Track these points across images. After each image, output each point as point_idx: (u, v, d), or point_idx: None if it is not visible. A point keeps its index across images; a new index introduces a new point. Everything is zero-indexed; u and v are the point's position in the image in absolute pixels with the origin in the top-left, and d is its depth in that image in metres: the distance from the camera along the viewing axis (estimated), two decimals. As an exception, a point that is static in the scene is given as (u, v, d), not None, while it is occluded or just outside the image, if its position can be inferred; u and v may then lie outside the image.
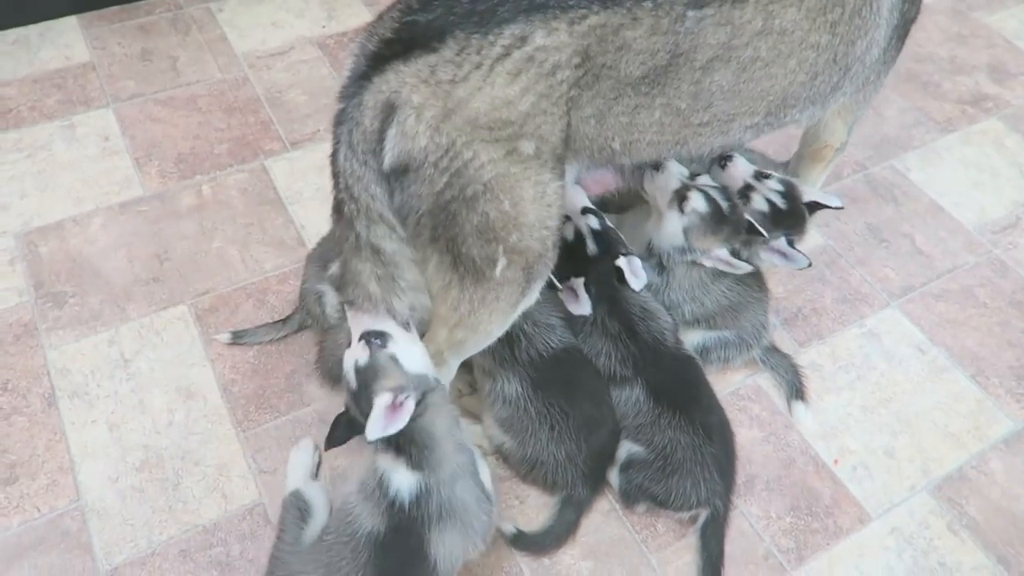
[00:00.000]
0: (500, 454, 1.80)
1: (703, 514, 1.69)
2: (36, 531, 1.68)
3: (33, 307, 2.05)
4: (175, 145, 2.47)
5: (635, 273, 1.71)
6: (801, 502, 1.82)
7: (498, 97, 1.29)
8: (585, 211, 1.79)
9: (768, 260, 1.91)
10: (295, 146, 2.50)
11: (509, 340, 1.69)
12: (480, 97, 1.28)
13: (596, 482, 1.75)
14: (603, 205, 1.90)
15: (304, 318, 1.98)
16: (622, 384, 1.77)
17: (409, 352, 1.41)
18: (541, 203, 1.39)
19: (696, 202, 1.80)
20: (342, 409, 1.47)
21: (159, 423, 1.85)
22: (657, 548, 1.73)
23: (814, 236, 2.31)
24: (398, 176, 1.34)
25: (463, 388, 1.88)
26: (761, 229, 1.81)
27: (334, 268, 1.45)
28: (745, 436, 1.89)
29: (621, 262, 1.71)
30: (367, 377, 1.36)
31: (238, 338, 1.98)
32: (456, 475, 1.43)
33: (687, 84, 1.46)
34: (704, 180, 1.89)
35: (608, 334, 1.78)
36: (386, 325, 1.41)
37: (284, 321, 2.00)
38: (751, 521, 1.78)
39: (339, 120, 1.35)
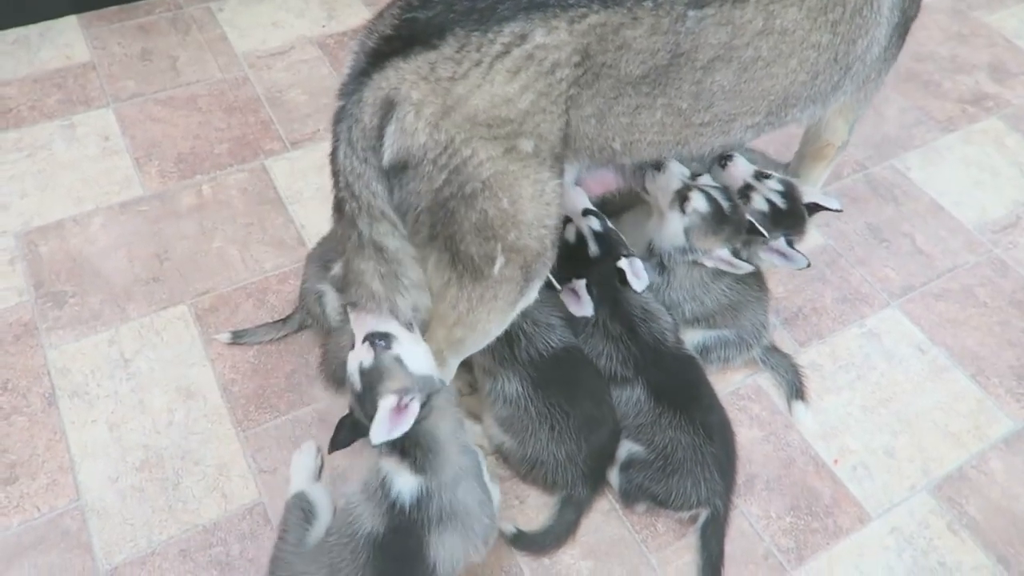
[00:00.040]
0: (500, 454, 1.80)
1: (703, 514, 1.69)
2: (36, 530, 1.68)
3: (33, 307, 2.05)
4: (175, 145, 2.47)
5: (637, 274, 1.71)
6: (801, 502, 1.81)
7: (497, 95, 1.29)
8: (586, 213, 1.79)
9: (767, 260, 1.91)
10: (295, 146, 2.50)
11: (509, 339, 1.69)
12: (479, 94, 1.28)
13: (596, 482, 1.75)
14: (603, 206, 1.90)
15: (304, 318, 1.98)
16: (623, 384, 1.77)
17: (414, 353, 1.39)
18: (540, 201, 1.39)
19: (697, 202, 1.80)
20: (346, 411, 1.46)
21: (159, 423, 1.85)
22: (657, 548, 1.73)
23: (814, 236, 2.31)
24: (397, 173, 1.34)
25: (463, 388, 1.88)
26: (761, 229, 1.81)
27: (337, 269, 1.44)
28: (745, 436, 1.89)
29: (623, 263, 1.71)
30: (372, 379, 1.35)
31: (238, 338, 1.98)
32: (458, 478, 1.43)
33: (688, 84, 1.46)
34: (705, 180, 1.89)
35: (609, 336, 1.78)
36: (390, 326, 1.40)
37: (284, 321, 2.00)
38: (751, 521, 1.78)
39: (338, 118, 1.35)
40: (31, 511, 1.70)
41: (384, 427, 1.31)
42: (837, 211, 1.92)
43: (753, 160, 2.00)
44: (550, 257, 1.49)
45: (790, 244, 1.88)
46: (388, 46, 1.30)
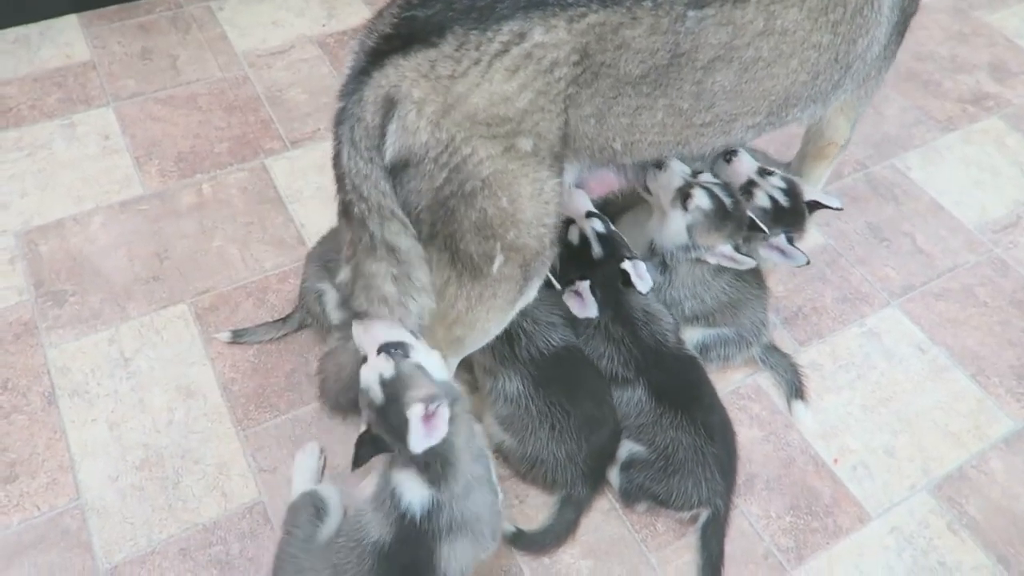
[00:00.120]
0: (500, 452, 1.80)
1: (704, 514, 1.69)
2: (36, 529, 1.68)
3: (33, 306, 2.05)
4: (175, 144, 2.47)
5: (641, 276, 1.71)
6: (801, 501, 1.81)
7: (496, 93, 1.29)
8: (589, 215, 1.79)
9: (767, 257, 1.91)
10: (295, 145, 2.50)
11: (509, 338, 1.69)
12: (479, 93, 1.28)
13: (596, 481, 1.75)
14: (604, 207, 1.90)
15: (304, 317, 1.98)
16: (624, 385, 1.77)
17: (431, 361, 1.38)
18: (539, 200, 1.39)
19: (700, 199, 1.80)
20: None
21: (159, 422, 1.85)
22: (657, 547, 1.73)
23: (814, 235, 2.31)
24: (397, 172, 1.33)
25: (463, 388, 1.88)
26: (762, 226, 1.81)
27: (343, 275, 1.40)
28: (745, 435, 1.89)
29: (626, 265, 1.71)
30: (395, 389, 1.32)
31: (238, 337, 1.98)
32: (470, 487, 1.40)
33: (689, 84, 1.46)
34: (706, 177, 1.89)
35: (611, 338, 1.78)
36: (402, 335, 1.37)
37: (284, 320, 2.00)
38: (751, 520, 1.78)
39: (339, 120, 1.34)
40: (31, 510, 1.70)
41: (421, 436, 1.28)
42: (838, 209, 1.92)
43: (755, 159, 2.00)
44: (549, 256, 1.49)
45: (790, 241, 1.88)
46: (388, 44, 1.30)
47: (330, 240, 1.94)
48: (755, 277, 1.98)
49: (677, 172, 1.85)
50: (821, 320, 2.16)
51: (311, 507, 1.57)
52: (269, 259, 2.18)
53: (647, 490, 1.71)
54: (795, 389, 1.97)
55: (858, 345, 2.11)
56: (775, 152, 2.33)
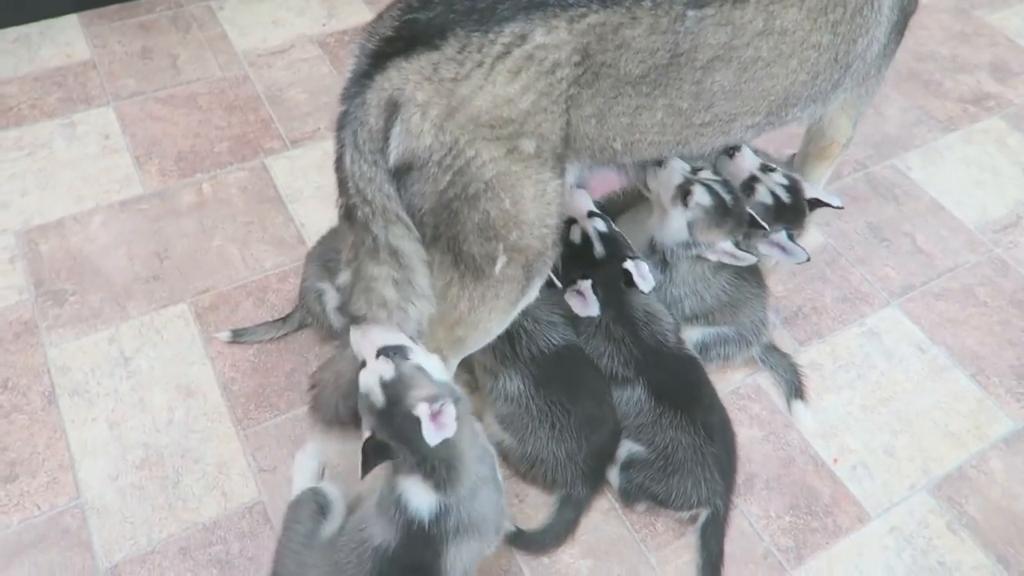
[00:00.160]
0: (499, 452, 1.79)
1: (703, 513, 1.69)
2: (36, 529, 1.68)
3: (33, 305, 2.05)
4: (175, 143, 2.47)
5: (643, 276, 1.71)
6: (801, 501, 1.82)
7: (499, 95, 1.29)
8: (591, 214, 1.79)
9: (766, 253, 1.91)
10: (295, 144, 2.50)
11: (510, 337, 1.69)
12: (482, 95, 1.28)
13: (596, 481, 1.75)
14: (605, 206, 1.90)
15: (304, 316, 1.98)
16: (624, 384, 1.77)
17: (430, 363, 1.38)
18: (541, 201, 1.39)
19: (700, 196, 1.80)
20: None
21: (159, 421, 1.86)
22: (656, 547, 1.73)
23: (815, 235, 2.31)
24: (400, 175, 1.33)
25: (463, 388, 1.88)
26: (762, 222, 1.81)
27: (343, 278, 1.39)
28: (745, 435, 1.89)
29: (629, 265, 1.71)
30: (397, 391, 1.31)
31: (238, 336, 1.98)
32: (476, 488, 1.40)
33: (688, 84, 1.46)
34: (706, 174, 1.89)
35: (612, 337, 1.78)
36: (400, 339, 1.37)
37: (284, 319, 2.00)
38: (750, 520, 1.78)
39: (342, 123, 1.34)
40: (31, 509, 1.71)
41: (433, 431, 1.27)
42: (838, 207, 1.92)
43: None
44: (551, 256, 1.50)
45: (791, 238, 1.88)
46: (389, 47, 1.30)
47: (330, 239, 1.94)
48: (754, 276, 1.98)
49: (677, 169, 1.85)
50: (821, 320, 2.16)
51: (314, 503, 1.57)
52: (269, 258, 2.19)
53: (646, 490, 1.71)
54: (795, 389, 1.97)
55: (858, 345, 2.11)
56: (775, 151, 2.33)
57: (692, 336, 1.95)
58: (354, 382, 1.40)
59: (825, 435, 1.93)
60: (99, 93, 2.60)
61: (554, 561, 1.69)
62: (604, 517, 1.77)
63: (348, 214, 1.37)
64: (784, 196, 1.87)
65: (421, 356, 1.37)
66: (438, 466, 1.35)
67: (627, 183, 1.91)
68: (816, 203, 1.91)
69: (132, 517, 1.70)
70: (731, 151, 1.94)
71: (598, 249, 1.75)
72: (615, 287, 1.75)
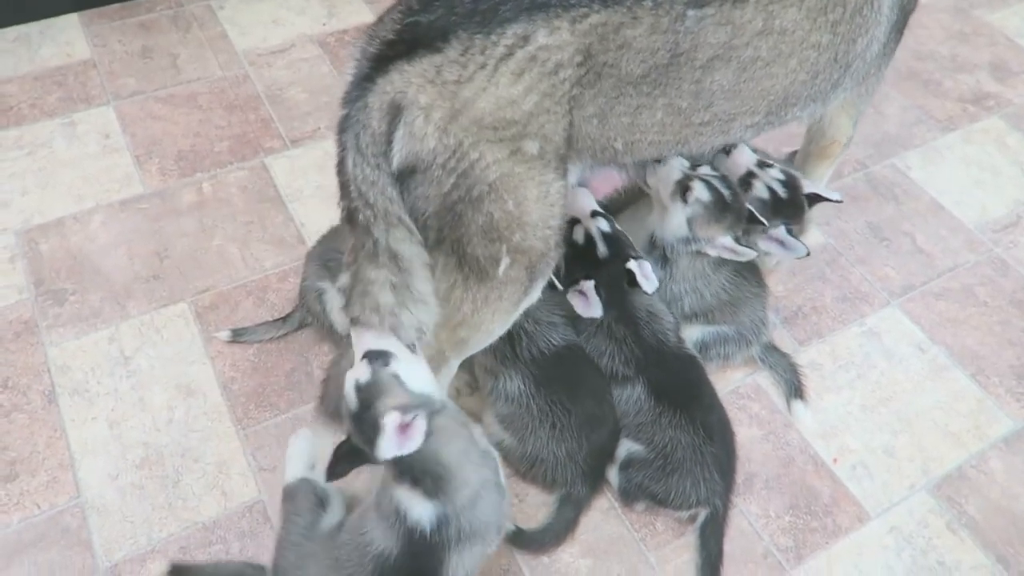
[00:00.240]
0: (499, 451, 1.80)
1: (703, 513, 1.69)
2: (36, 528, 1.68)
3: (33, 304, 2.05)
4: (175, 143, 2.47)
5: (646, 276, 1.71)
6: (800, 501, 1.82)
7: (503, 97, 1.28)
8: (594, 214, 1.79)
9: (766, 248, 1.91)
10: (295, 144, 2.50)
11: (511, 338, 1.69)
12: (485, 97, 1.27)
13: (595, 480, 1.75)
14: (607, 205, 1.90)
15: (304, 316, 1.98)
16: (623, 383, 1.77)
17: (413, 372, 1.35)
18: (544, 203, 1.39)
19: (699, 191, 1.81)
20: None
21: (159, 420, 1.86)
22: (656, 546, 1.73)
23: (815, 234, 2.31)
24: (404, 178, 1.33)
25: (463, 388, 1.88)
26: (761, 217, 1.81)
27: (342, 280, 1.39)
28: (744, 435, 1.89)
29: (632, 265, 1.71)
30: (368, 396, 1.31)
31: (238, 336, 1.98)
32: (477, 496, 1.39)
33: (688, 83, 1.46)
34: (704, 170, 1.90)
35: (613, 337, 1.78)
36: (390, 344, 1.35)
37: (284, 319, 2.00)
38: (750, 520, 1.78)
39: (343, 126, 1.33)
40: (31, 508, 1.71)
41: (392, 443, 1.27)
42: (838, 202, 1.93)
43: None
44: (554, 257, 1.50)
45: (790, 233, 1.88)
46: (391, 50, 1.30)
47: (330, 239, 1.94)
48: (754, 275, 1.98)
49: (676, 166, 1.85)
50: (821, 320, 2.16)
51: (312, 495, 1.56)
52: (269, 258, 2.19)
53: (646, 489, 1.71)
54: (794, 388, 1.97)
55: (858, 345, 2.12)
56: (774, 151, 2.33)
57: (692, 335, 1.95)
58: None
59: (825, 435, 1.93)
60: (99, 92, 2.60)
61: (554, 560, 1.70)
62: (604, 516, 1.77)
63: (350, 217, 1.36)
64: (781, 191, 1.88)
65: (405, 364, 1.35)
66: (420, 477, 1.34)
67: (628, 181, 1.91)
68: (815, 198, 1.91)
69: (132, 516, 1.71)
70: (727, 147, 1.94)
71: (601, 249, 1.75)
72: (618, 287, 1.75)
